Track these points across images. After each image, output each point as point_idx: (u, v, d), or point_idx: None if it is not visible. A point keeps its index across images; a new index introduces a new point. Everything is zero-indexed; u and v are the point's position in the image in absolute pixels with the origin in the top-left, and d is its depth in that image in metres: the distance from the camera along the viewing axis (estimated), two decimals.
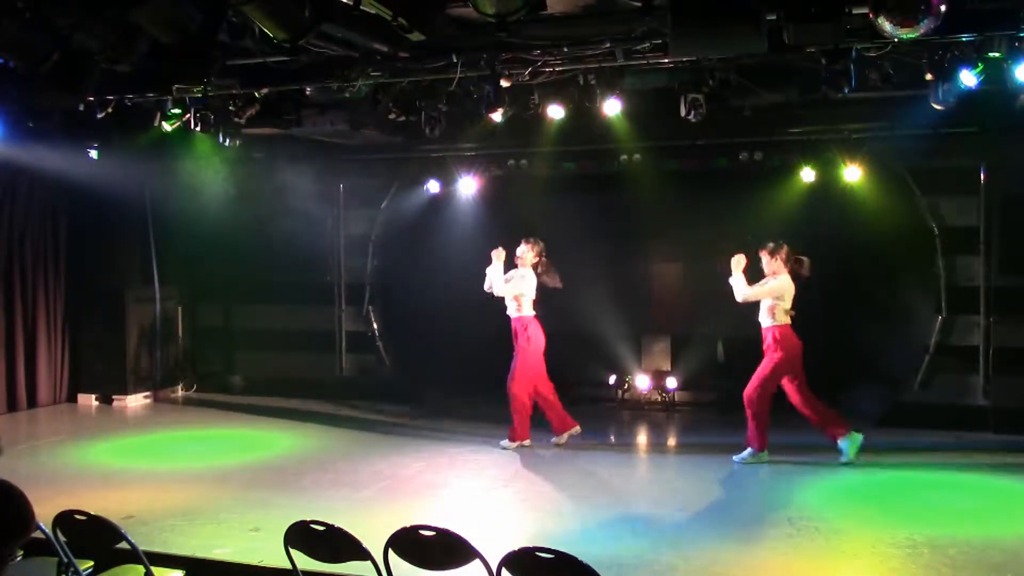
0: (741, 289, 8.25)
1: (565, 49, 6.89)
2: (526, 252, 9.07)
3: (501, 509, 7.25)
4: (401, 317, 11.73)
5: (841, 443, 8.15)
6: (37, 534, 4.45)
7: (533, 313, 9.01)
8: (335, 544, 4.29)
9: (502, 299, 9.06)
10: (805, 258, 8.35)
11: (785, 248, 8.31)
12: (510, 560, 3.90)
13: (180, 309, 12.61)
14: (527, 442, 9.00)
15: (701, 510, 7.03)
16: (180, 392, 12.42)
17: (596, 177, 11.12)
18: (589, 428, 9.98)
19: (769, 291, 8.20)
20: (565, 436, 9.10)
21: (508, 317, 9.03)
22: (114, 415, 11.21)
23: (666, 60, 6.83)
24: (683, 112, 7.65)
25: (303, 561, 4.48)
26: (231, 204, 11.26)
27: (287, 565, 4.51)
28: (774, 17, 5.49)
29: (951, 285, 9.86)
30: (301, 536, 4.37)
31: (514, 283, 8.97)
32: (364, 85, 7.61)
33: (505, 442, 9.00)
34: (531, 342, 8.90)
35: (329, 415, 10.71)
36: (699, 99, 7.56)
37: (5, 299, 11.01)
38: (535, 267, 9.08)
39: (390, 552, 4.21)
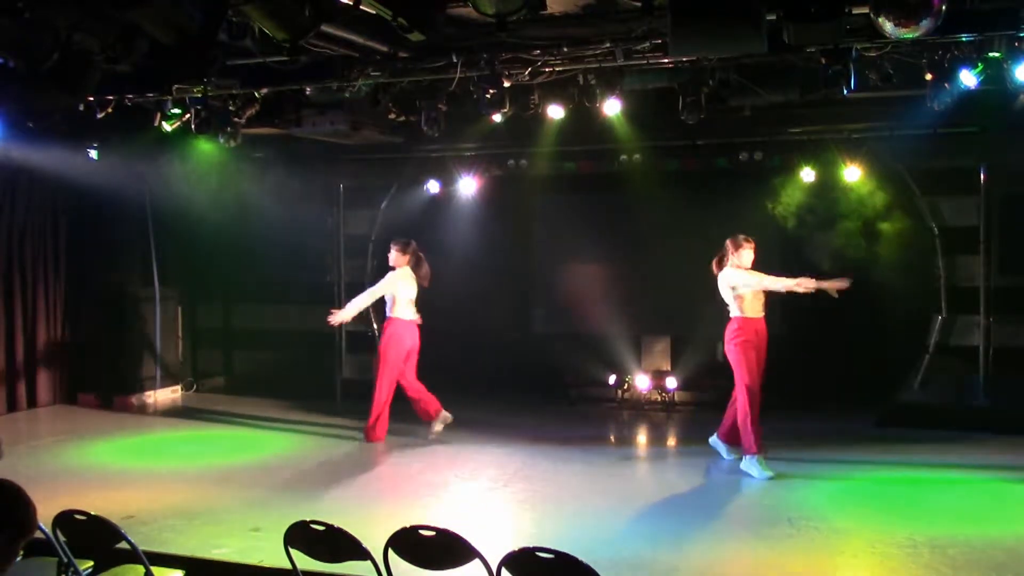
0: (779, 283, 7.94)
1: (565, 49, 6.89)
2: (395, 255, 9.28)
3: (501, 509, 7.25)
4: None
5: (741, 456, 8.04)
6: (37, 534, 4.47)
7: (403, 316, 9.14)
8: (335, 544, 4.29)
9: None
10: None
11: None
12: (510, 560, 3.91)
13: (180, 309, 12.61)
14: (379, 442, 9.19)
15: (701, 510, 7.02)
16: (180, 392, 12.43)
17: (596, 177, 11.12)
18: (589, 428, 10.01)
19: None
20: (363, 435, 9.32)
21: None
22: (114, 415, 11.20)
23: (666, 60, 6.84)
24: (683, 113, 7.66)
25: (303, 561, 4.48)
26: (231, 204, 11.26)
27: (287, 565, 4.51)
28: (774, 17, 5.49)
29: (951, 285, 9.87)
30: (301, 536, 4.37)
31: (380, 284, 9.18)
32: (364, 85, 7.61)
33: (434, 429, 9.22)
34: (388, 344, 9.12)
35: (329, 415, 10.70)
36: (699, 99, 7.56)
37: (5, 299, 11.00)
38: (411, 267, 9.25)
39: (390, 552, 4.22)
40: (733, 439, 8.15)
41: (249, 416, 10.83)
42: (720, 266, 8.06)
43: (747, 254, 7.98)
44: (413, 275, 9.27)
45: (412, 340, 9.22)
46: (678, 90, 7.63)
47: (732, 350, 7.89)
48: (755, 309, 7.94)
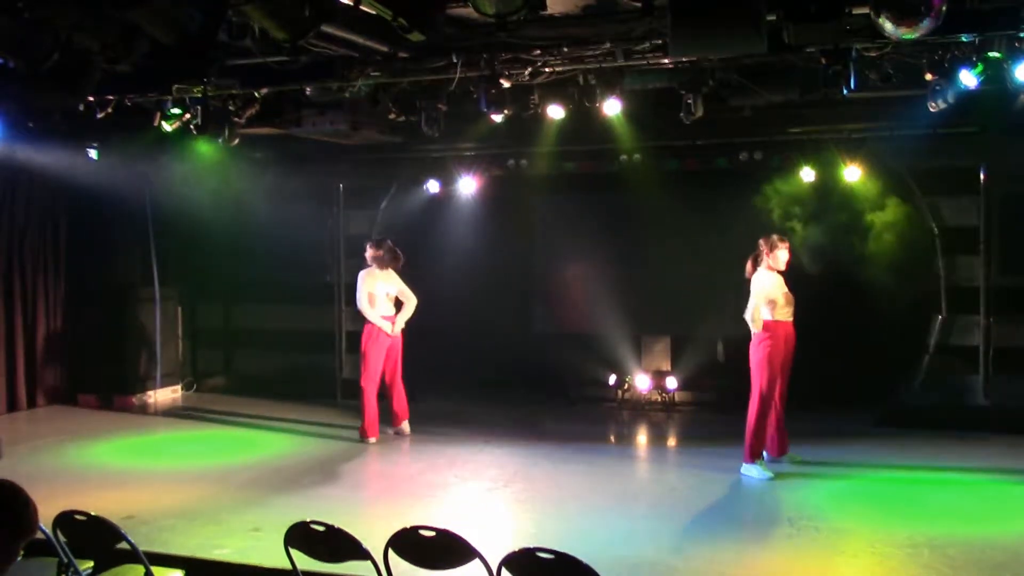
0: None
1: (565, 49, 6.89)
2: (367, 253, 9.46)
3: (501, 509, 7.26)
4: None
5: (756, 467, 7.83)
6: (37, 534, 4.46)
7: (379, 313, 9.25)
8: (335, 544, 4.29)
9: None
10: None
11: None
12: (510, 560, 3.91)
13: (180, 309, 12.61)
14: (373, 439, 9.29)
15: (701, 510, 7.03)
16: (180, 392, 12.43)
17: (596, 177, 11.12)
18: (589, 428, 10.01)
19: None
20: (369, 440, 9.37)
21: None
22: (114, 415, 11.20)
23: (666, 60, 6.83)
24: (683, 113, 7.65)
25: (303, 561, 4.48)
26: (231, 204, 11.26)
27: (287, 565, 4.51)
28: (774, 17, 5.49)
29: (951, 285, 9.86)
30: (301, 536, 4.38)
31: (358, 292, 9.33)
32: (364, 85, 7.60)
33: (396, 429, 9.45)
34: (367, 341, 9.28)
35: (329, 415, 10.71)
36: (699, 99, 7.55)
37: (5, 299, 11.00)
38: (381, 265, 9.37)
39: (390, 552, 4.22)
40: (784, 447, 8.15)
41: (249, 416, 10.82)
42: (755, 266, 7.94)
43: (782, 254, 7.92)
44: (381, 272, 9.32)
45: (392, 337, 9.27)
46: (678, 90, 7.63)
47: (757, 353, 7.76)
48: (786, 313, 7.87)
